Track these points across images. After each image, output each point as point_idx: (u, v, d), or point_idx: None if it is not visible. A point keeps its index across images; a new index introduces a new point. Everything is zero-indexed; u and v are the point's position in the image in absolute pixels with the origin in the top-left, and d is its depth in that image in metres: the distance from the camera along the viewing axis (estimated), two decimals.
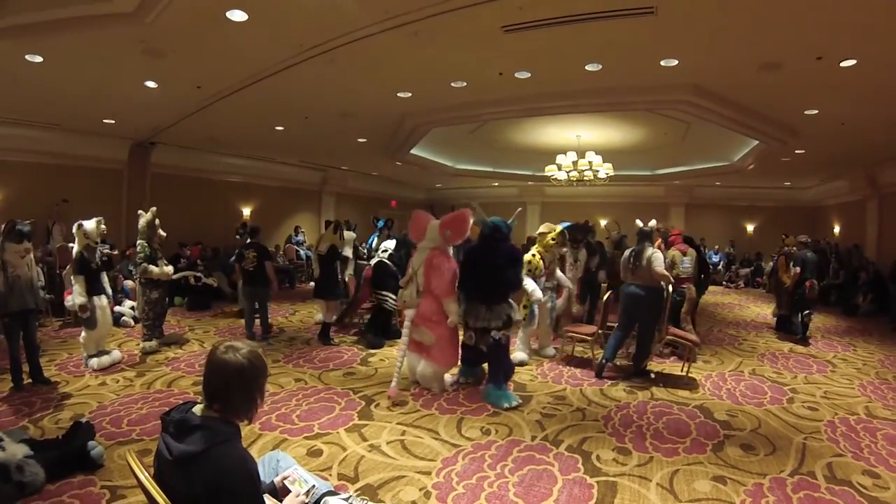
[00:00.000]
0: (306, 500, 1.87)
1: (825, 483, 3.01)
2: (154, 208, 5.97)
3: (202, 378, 1.69)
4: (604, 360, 5.13)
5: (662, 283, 5.03)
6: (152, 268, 5.70)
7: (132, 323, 7.05)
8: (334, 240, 6.53)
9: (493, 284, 4.46)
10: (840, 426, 3.90)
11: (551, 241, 5.68)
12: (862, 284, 10.15)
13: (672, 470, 3.15)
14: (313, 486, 1.96)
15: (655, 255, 5.01)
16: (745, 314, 9.46)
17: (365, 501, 2.24)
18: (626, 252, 5.32)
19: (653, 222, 5.53)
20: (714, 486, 2.96)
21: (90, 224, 5.12)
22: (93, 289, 5.03)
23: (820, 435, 3.72)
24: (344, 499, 2.13)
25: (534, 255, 5.65)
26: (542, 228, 5.83)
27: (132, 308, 7.29)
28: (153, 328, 5.81)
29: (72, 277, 5.13)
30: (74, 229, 5.10)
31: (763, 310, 10.00)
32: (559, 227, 5.82)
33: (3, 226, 4.40)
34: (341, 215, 13.72)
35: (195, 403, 1.70)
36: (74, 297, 4.99)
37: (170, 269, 5.99)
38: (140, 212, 6.01)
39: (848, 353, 6.43)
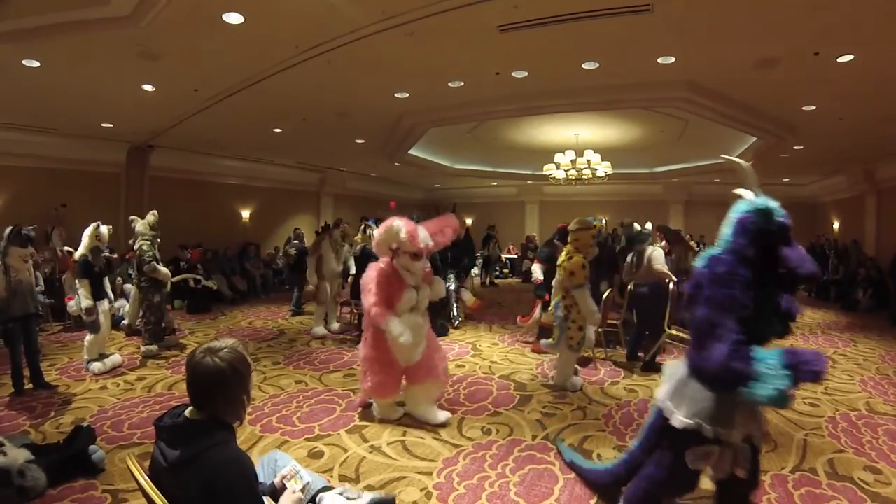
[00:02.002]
0: (302, 497, 1.87)
1: (826, 479, 3.01)
2: (154, 211, 5.97)
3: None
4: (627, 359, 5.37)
5: (665, 279, 5.20)
6: (161, 267, 5.72)
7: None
8: (365, 240, 6.54)
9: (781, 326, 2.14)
10: (841, 422, 3.90)
11: (591, 241, 4.66)
12: (861, 280, 10.15)
13: None
14: (308, 482, 1.96)
15: (655, 254, 5.21)
16: None
17: (359, 492, 2.24)
18: (629, 255, 5.47)
19: (649, 224, 5.65)
20: None
21: (105, 228, 5.21)
22: (97, 293, 5.03)
23: (821, 431, 3.73)
24: (338, 492, 2.13)
25: (584, 259, 4.51)
26: (575, 224, 4.67)
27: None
28: (155, 332, 5.81)
29: (76, 281, 5.14)
30: (90, 230, 5.10)
31: None
32: (597, 222, 5.02)
33: (6, 231, 4.41)
34: (340, 216, 13.72)
35: (187, 406, 1.68)
36: (80, 300, 4.99)
37: (167, 271, 5.97)
38: (133, 217, 6.01)
39: (848, 348, 6.44)
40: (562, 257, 4.68)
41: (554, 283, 4.81)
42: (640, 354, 5.49)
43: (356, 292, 6.47)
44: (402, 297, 3.71)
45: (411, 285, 3.77)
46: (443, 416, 3.83)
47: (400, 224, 3.66)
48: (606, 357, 5.72)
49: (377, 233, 3.79)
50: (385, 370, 3.76)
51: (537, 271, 6.10)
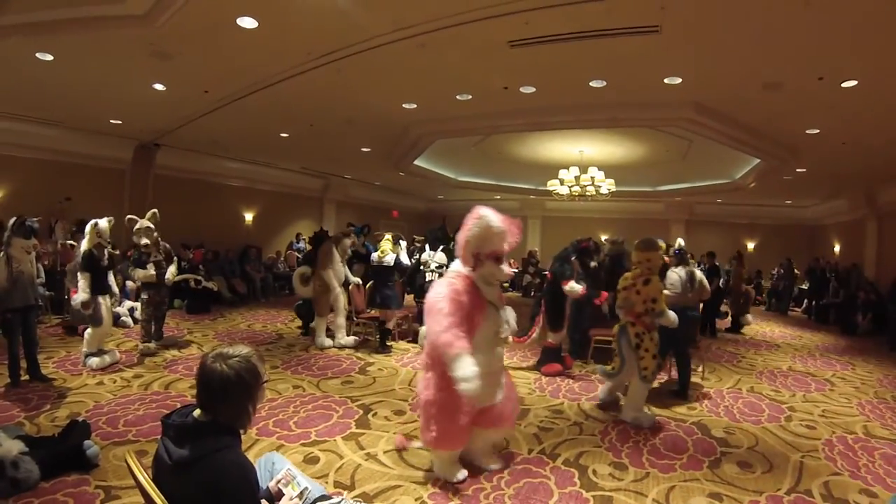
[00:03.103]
0: (300, 503, 1.86)
1: (822, 502, 3.00)
2: (155, 211, 5.95)
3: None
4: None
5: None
6: (137, 271, 5.75)
7: (131, 323, 7.05)
8: (396, 250, 6.61)
9: None
10: (838, 445, 3.88)
11: (661, 262, 4.40)
12: (861, 304, 10.15)
13: (668, 486, 3.14)
14: (305, 487, 1.95)
15: (701, 275, 5.18)
16: (744, 331, 9.45)
17: (357, 503, 2.23)
18: (682, 274, 5.04)
19: (681, 241, 5.70)
20: (710, 502, 2.95)
21: (104, 223, 5.21)
22: (99, 287, 5.04)
23: (817, 453, 3.71)
24: (336, 503, 2.12)
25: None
26: (644, 244, 4.27)
27: (130, 309, 7.30)
28: (148, 330, 5.81)
29: (77, 274, 5.14)
30: (88, 227, 5.12)
31: (762, 327, 10.00)
32: (662, 242, 4.65)
33: (10, 221, 4.43)
34: (342, 223, 13.76)
35: (195, 407, 1.69)
36: (78, 293, 5.00)
37: (151, 272, 5.79)
38: (154, 211, 5.98)
39: (846, 371, 6.42)
40: (626, 281, 4.25)
41: (618, 307, 4.38)
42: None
43: (379, 302, 6.48)
44: (482, 320, 2.97)
45: (491, 302, 3.06)
46: (495, 464, 3.28)
47: (487, 212, 2.92)
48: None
49: (463, 232, 2.98)
50: (455, 417, 2.95)
51: (577, 287, 5.41)
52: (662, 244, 4.48)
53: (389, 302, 6.48)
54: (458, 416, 2.94)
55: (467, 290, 2.95)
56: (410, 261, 7.14)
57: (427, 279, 6.91)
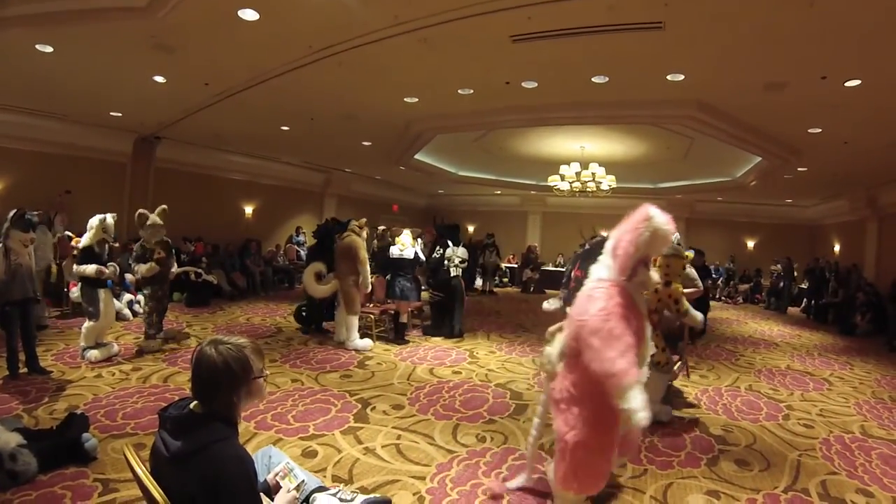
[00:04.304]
0: (297, 496, 1.87)
1: (819, 500, 3.01)
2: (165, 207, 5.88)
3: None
4: None
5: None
6: (140, 266, 5.67)
7: (130, 316, 7.06)
8: (415, 245, 6.88)
9: None
10: (835, 444, 3.89)
11: (681, 270, 4.24)
12: (860, 304, 10.16)
13: (666, 483, 3.14)
14: (303, 481, 1.97)
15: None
16: (743, 330, 9.47)
17: (355, 494, 2.24)
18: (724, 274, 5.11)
19: (676, 234, 5.64)
20: (708, 500, 2.96)
21: (111, 220, 5.21)
22: (98, 280, 5.03)
23: (815, 452, 3.72)
24: (332, 493, 2.13)
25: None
26: (667, 249, 3.85)
27: (129, 302, 7.29)
28: (151, 324, 5.77)
29: (75, 269, 5.12)
30: (96, 222, 5.09)
31: (761, 326, 10.01)
32: (689, 253, 4.36)
33: (10, 213, 4.42)
34: (343, 218, 13.71)
35: (192, 399, 1.68)
36: (78, 285, 4.99)
37: (154, 266, 5.66)
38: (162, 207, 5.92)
39: (845, 371, 6.43)
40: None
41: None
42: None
43: (399, 294, 6.60)
44: (644, 340, 2.54)
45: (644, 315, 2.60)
46: None
47: (656, 212, 2.41)
48: None
49: (628, 237, 2.41)
50: (608, 458, 2.56)
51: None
52: (690, 254, 4.22)
53: (409, 294, 6.73)
54: (610, 457, 2.56)
55: (629, 303, 2.42)
56: (428, 256, 7.40)
57: (452, 274, 7.13)
